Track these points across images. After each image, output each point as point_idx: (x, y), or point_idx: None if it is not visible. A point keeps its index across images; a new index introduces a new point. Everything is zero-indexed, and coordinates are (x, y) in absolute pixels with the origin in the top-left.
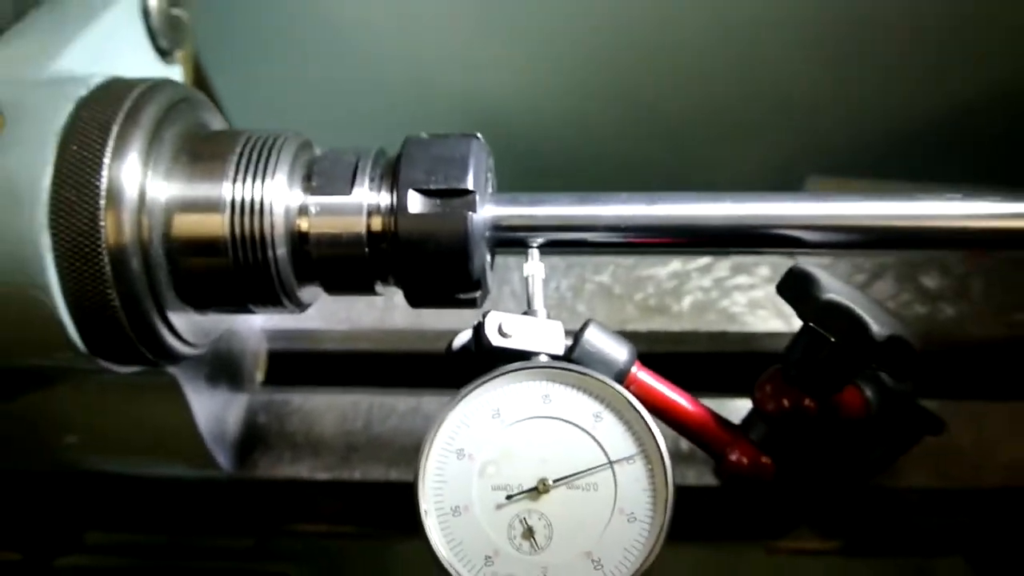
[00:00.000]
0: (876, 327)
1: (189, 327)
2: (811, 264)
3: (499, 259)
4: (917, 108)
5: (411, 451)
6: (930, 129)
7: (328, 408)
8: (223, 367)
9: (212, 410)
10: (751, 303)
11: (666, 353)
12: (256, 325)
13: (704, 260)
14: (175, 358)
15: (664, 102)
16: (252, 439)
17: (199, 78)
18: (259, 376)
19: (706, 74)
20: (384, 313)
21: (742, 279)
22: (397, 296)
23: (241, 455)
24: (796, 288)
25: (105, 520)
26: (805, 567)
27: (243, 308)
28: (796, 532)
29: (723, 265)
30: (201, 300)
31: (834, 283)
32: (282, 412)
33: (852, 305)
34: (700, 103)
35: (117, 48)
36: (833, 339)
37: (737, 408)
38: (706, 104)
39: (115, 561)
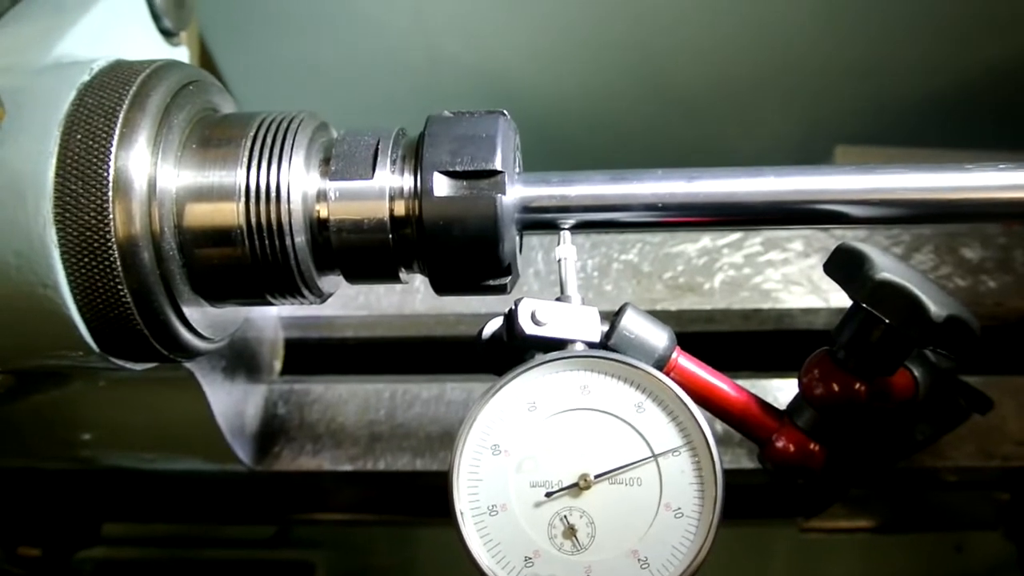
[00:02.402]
0: (935, 308)
1: (205, 321)
2: (859, 241)
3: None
4: (942, 74)
5: (437, 439)
6: (955, 95)
7: (350, 397)
8: (240, 358)
9: (230, 403)
10: (785, 279)
11: (698, 332)
12: (272, 313)
13: (735, 235)
14: (191, 354)
15: (685, 76)
16: (272, 431)
17: (205, 59)
18: (277, 366)
19: (726, 45)
20: (403, 297)
21: (774, 254)
22: (416, 280)
23: (261, 448)
24: (846, 267)
25: (123, 515)
26: (838, 545)
27: (261, 300)
28: (830, 511)
29: (755, 240)
30: (217, 292)
31: (887, 260)
32: (302, 402)
33: (909, 285)
34: (721, 75)
35: (120, 30)
36: (888, 321)
37: (773, 388)
38: (727, 76)
39: (135, 552)
